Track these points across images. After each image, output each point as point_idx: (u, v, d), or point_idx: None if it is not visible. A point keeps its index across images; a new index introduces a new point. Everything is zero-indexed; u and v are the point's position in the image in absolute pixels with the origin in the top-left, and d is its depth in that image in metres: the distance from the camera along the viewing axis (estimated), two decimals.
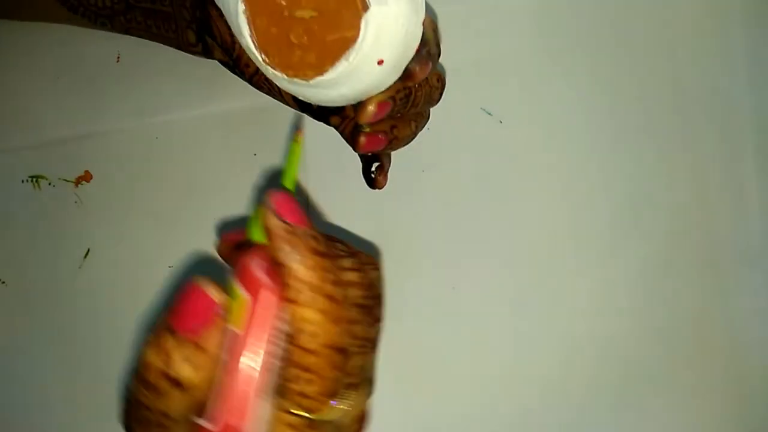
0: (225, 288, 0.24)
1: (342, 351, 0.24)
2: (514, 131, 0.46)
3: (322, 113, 0.36)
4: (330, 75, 0.29)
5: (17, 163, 0.47)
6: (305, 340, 0.23)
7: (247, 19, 0.29)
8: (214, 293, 0.23)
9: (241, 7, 0.28)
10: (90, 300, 0.45)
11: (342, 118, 0.35)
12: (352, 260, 0.26)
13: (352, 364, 0.25)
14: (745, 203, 0.45)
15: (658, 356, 0.45)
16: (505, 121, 0.46)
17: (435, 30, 0.33)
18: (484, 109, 0.46)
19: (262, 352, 0.23)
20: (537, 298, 0.45)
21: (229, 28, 0.33)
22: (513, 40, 0.46)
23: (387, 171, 0.38)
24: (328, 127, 0.37)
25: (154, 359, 0.23)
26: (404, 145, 0.38)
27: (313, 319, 0.23)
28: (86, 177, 0.46)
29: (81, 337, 0.45)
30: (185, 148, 0.46)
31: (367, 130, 0.34)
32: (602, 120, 0.46)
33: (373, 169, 0.37)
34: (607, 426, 0.44)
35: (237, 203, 0.44)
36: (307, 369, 0.23)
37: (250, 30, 0.29)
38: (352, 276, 0.25)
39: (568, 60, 0.46)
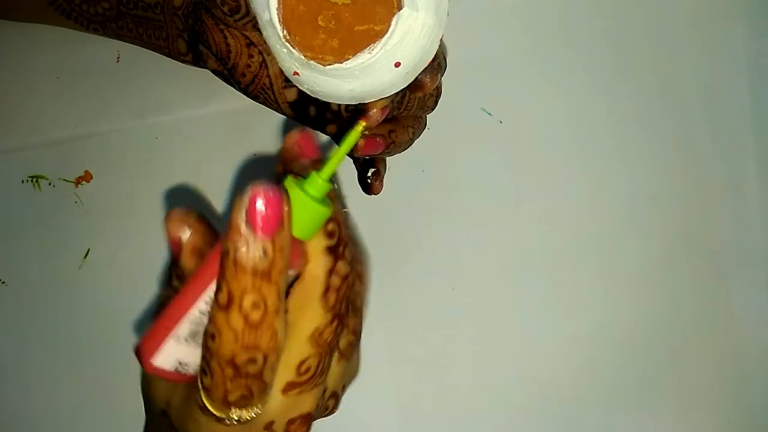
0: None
1: (239, 371, 0.23)
2: (514, 131, 0.46)
3: (320, 122, 0.36)
4: (349, 64, 0.29)
5: (17, 163, 0.47)
6: (208, 339, 0.23)
7: None
8: (171, 230, 0.26)
9: None
10: (90, 300, 0.45)
11: (339, 126, 0.35)
12: (352, 274, 0.26)
13: (263, 392, 0.24)
14: (745, 203, 0.45)
15: (658, 355, 0.45)
16: (505, 121, 0.46)
17: (441, 44, 0.34)
18: (484, 109, 0.46)
19: (192, 305, 0.24)
20: (537, 298, 0.45)
21: (225, 37, 0.33)
22: (513, 40, 0.46)
23: (383, 177, 0.38)
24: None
25: (170, 267, 0.27)
26: (401, 151, 0.38)
27: (220, 327, 0.22)
28: (86, 177, 0.46)
29: (81, 337, 0.45)
30: (185, 148, 0.46)
31: (366, 132, 0.34)
32: (602, 120, 0.46)
33: (369, 174, 0.37)
34: (607, 425, 0.44)
35: None
36: (205, 360, 0.23)
37: (278, 4, 0.29)
38: (343, 282, 0.25)
39: (568, 60, 0.46)
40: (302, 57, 0.29)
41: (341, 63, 0.29)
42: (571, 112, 0.46)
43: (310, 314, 0.24)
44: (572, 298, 0.45)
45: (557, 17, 0.46)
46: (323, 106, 0.35)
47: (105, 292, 0.45)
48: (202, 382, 0.24)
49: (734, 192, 0.45)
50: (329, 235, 0.24)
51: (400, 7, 0.28)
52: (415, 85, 0.32)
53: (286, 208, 0.22)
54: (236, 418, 0.24)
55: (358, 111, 0.33)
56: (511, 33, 0.46)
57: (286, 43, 0.29)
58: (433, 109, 0.38)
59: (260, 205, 0.22)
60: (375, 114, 0.32)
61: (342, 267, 0.25)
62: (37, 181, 0.47)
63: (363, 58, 0.29)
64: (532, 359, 0.44)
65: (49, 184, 0.47)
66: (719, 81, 0.46)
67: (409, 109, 0.36)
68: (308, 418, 0.26)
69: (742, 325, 0.45)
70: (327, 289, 0.24)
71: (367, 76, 0.30)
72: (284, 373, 0.25)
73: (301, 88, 0.32)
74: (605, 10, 0.46)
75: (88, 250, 0.46)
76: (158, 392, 0.27)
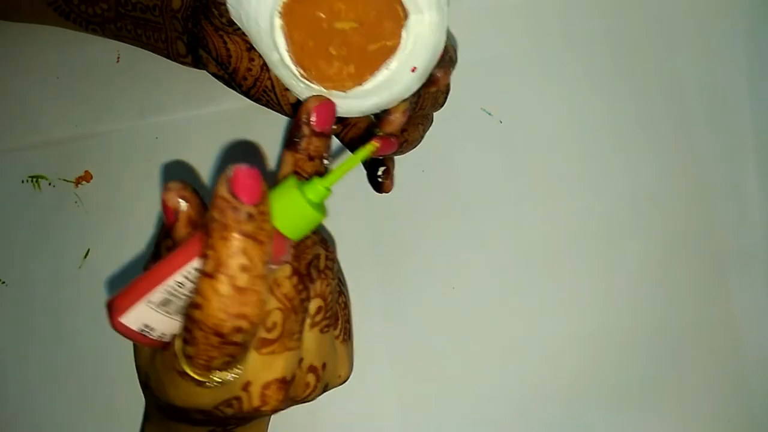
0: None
1: (224, 339, 0.24)
2: (514, 131, 0.46)
3: None
4: (369, 85, 0.29)
5: (17, 163, 0.47)
6: (192, 308, 0.23)
7: (285, 33, 0.29)
8: (170, 200, 0.26)
9: (278, 22, 0.28)
10: (90, 300, 0.45)
11: (343, 125, 0.35)
12: (296, 275, 0.27)
13: (274, 312, 0.26)
14: (745, 203, 0.45)
15: (658, 356, 0.45)
16: (505, 121, 0.46)
17: (450, 37, 0.34)
18: (484, 109, 0.46)
19: (169, 276, 0.25)
20: (537, 298, 0.45)
21: (225, 42, 0.33)
22: (513, 40, 0.46)
23: (393, 174, 0.38)
24: None
25: (158, 237, 0.28)
26: (412, 149, 0.38)
27: (206, 295, 0.23)
28: (86, 177, 0.47)
29: (81, 337, 0.45)
30: (185, 148, 0.46)
31: (380, 133, 0.34)
32: (602, 120, 0.46)
33: (379, 173, 0.37)
34: (607, 425, 0.44)
35: None
36: (187, 329, 0.24)
37: (287, 44, 0.29)
38: (283, 281, 0.26)
39: (568, 60, 0.46)
40: (322, 89, 0.29)
41: (361, 86, 0.29)
42: (571, 112, 0.46)
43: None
44: (572, 297, 0.45)
45: (557, 17, 0.46)
46: None
47: (105, 292, 0.45)
48: (184, 351, 0.24)
49: (734, 192, 0.45)
50: None
51: (406, 17, 0.28)
52: (429, 81, 0.32)
53: (264, 183, 0.24)
54: (218, 380, 0.25)
55: (378, 117, 0.33)
56: (511, 33, 0.46)
57: (304, 80, 0.29)
58: (443, 105, 0.38)
59: (242, 176, 0.23)
60: (397, 118, 0.32)
61: None
62: (37, 181, 0.47)
63: (382, 75, 0.29)
64: (532, 359, 0.44)
65: (49, 184, 0.47)
66: (719, 81, 0.46)
67: (423, 108, 0.36)
68: (284, 384, 0.27)
69: (742, 325, 0.45)
70: None
71: (386, 88, 0.30)
72: None
73: None
74: (605, 10, 0.46)
75: (88, 250, 0.46)
76: (139, 366, 0.29)
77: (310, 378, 0.29)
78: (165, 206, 0.26)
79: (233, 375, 0.25)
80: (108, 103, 0.47)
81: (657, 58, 0.46)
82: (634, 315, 0.45)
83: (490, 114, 0.46)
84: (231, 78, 0.35)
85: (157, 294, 0.25)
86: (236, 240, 0.23)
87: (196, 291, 0.23)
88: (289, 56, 0.29)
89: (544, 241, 0.45)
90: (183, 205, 0.26)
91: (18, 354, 0.46)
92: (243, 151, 0.46)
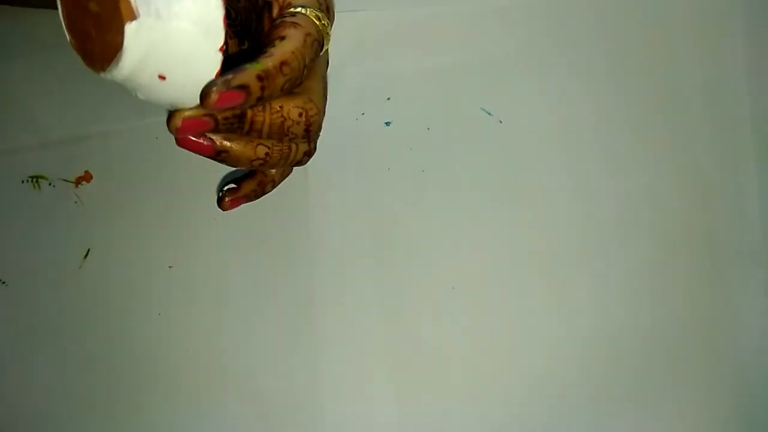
0: None
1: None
2: (514, 131, 0.46)
3: None
4: (108, 75, 0.28)
5: (17, 163, 0.47)
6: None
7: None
8: None
9: None
10: (90, 300, 0.45)
11: None
12: None
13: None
14: (745, 203, 0.45)
15: (658, 355, 0.45)
16: (505, 121, 0.46)
17: (267, 73, 0.31)
18: (484, 109, 0.46)
19: None
20: (537, 298, 0.45)
21: None
22: (513, 40, 0.46)
23: (240, 199, 0.38)
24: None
25: None
26: (246, 167, 0.36)
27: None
28: (86, 177, 0.46)
29: (81, 337, 0.45)
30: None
31: (222, 89, 0.30)
32: (602, 120, 0.46)
33: (225, 188, 0.38)
34: (607, 424, 0.44)
35: None
36: None
37: (62, 7, 0.28)
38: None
39: (567, 60, 0.46)
40: (83, 62, 0.28)
41: (104, 72, 0.28)
42: (571, 112, 0.46)
43: None
44: (572, 297, 0.45)
45: (557, 17, 0.46)
46: None
47: (105, 292, 0.45)
48: None
49: (734, 192, 0.45)
50: None
51: (131, 18, 0.26)
52: (202, 96, 0.30)
53: None
54: None
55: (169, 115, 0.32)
56: (511, 33, 0.46)
57: (73, 50, 0.28)
58: (309, 139, 0.36)
59: None
60: (174, 122, 0.32)
61: None
62: (37, 181, 0.47)
63: (115, 69, 0.27)
64: (532, 359, 0.44)
65: (49, 184, 0.47)
66: (719, 81, 0.46)
67: (257, 131, 0.33)
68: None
69: (742, 325, 0.45)
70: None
71: (141, 89, 0.29)
72: None
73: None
74: (605, 10, 0.46)
75: (88, 250, 0.46)
76: None
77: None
78: None
79: None
80: (108, 103, 0.47)
81: (657, 58, 0.46)
82: (634, 315, 0.45)
83: (490, 114, 0.46)
84: None
85: None
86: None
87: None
88: (63, 21, 0.29)
89: (544, 240, 0.45)
90: None
91: (18, 354, 0.45)
92: None
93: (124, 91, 0.47)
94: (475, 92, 0.46)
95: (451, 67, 0.45)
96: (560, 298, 0.45)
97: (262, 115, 0.33)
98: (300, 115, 0.34)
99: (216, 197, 0.38)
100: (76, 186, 0.47)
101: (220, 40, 0.28)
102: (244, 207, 0.41)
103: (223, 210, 0.38)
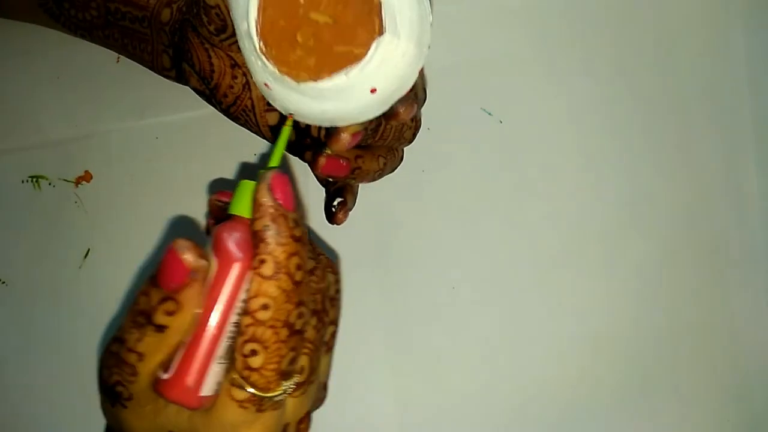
0: (204, 251, 0.25)
1: (292, 330, 0.25)
2: (514, 131, 0.46)
3: (298, 148, 0.35)
4: (323, 84, 0.28)
5: (17, 163, 0.47)
6: (259, 312, 0.24)
7: (259, 5, 0.28)
8: (187, 258, 0.25)
9: None
10: (90, 300, 0.45)
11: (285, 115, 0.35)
12: (315, 262, 0.28)
13: (301, 357, 0.26)
14: (745, 203, 0.45)
15: (658, 356, 0.45)
16: (505, 121, 0.46)
17: (422, 76, 0.33)
18: (484, 109, 0.46)
19: (225, 319, 0.25)
20: (537, 298, 0.45)
21: (209, 56, 0.33)
22: (513, 40, 0.46)
23: (349, 209, 0.38)
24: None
25: (144, 304, 0.26)
26: (369, 181, 0.37)
27: (272, 294, 0.24)
28: (86, 177, 0.47)
29: (81, 337, 0.45)
30: (185, 148, 0.46)
31: (328, 152, 0.33)
32: (602, 120, 0.46)
33: (335, 203, 0.37)
34: (607, 425, 0.44)
35: None
36: (254, 339, 0.24)
37: (258, 15, 0.28)
38: (313, 276, 0.27)
39: (567, 60, 0.46)
40: (276, 71, 0.29)
41: (316, 82, 0.28)
42: (571, 111, 0.46)
43: None
44: (572, 297, 0.45)
45: (557, 17, 0.46)
46: (303, 131, 0.35)
47: (105, 292, 0.45)
48: (249, 367, 0.25)
49: (734, 192, 0.45)
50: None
51: (381, 32, 0.27)
52: (390, 114, 0.31)
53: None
54: (282, 391, 0.26)
55: (329, 133, 0.32)
56: (511, 33, 0.46)
57: (262, 56, 0.29)
58: (410, 142, 0.38)
59: (281, 183, 0.25)
60: (344, 138, 0.32)
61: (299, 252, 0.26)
62: (37, 181, 0.47)
63: (339, 80, 0.28)
64: (531, 359, 0.44)
65: (49, 184, 0.47)
66: (719, 81, 0.46)
67: (384, 139, 0.35)
68: (309, 414, 0.28)
69: (741, 326, 0.45)
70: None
71: (341, 99, 0.29)
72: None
73: (272, 103, 0.31)
74: (605, 10, 0.46)
75: (88, 250, 0.46)
76: (147, 426, 0.28)
77: (323, 393, 0.30)
78: (176, 267, 0.25)
79: (290, 386, 0.26)
80: (108, 103, 0.47)
81: (657, 58, 0.46)
82: (634, 315, 0.45)
83: (490, 114, 0.46)
84: (212, 94, 0.35)
85: (222, 346, 0.25)
86: (292, 245, 0.25)
87: (258, 294, 0.24)
88: (256, 28, 0.29)
89: (544, 241, 0.45)
90: (202, 263, 0.25)
91: (18, 354, 0.46)
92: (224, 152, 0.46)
93: (124, 91, 0.47)
94: (475, 92, 0.46)
95: (451, 67, 0.45)
96: (560, 298, 0.45)
97: (389, 123, 0.34)
98: (412, 120, 0.36)
99: (327, 213, 0.38)
100: (76, 186, 0.47)
101: (423, 61, 0.30)
102: None
103: (338, 224, 0.38)
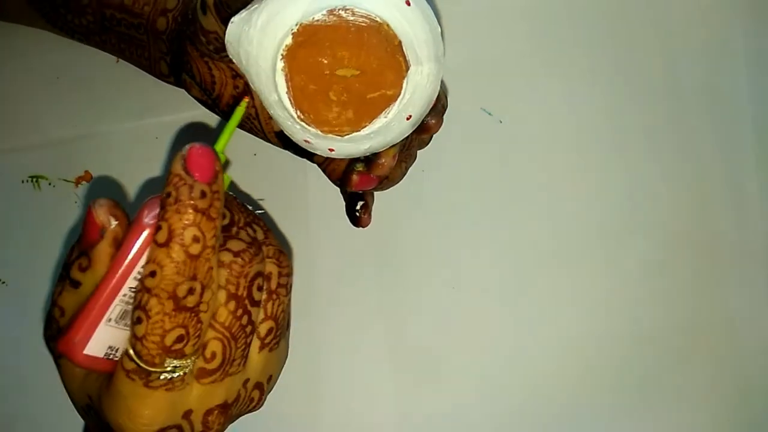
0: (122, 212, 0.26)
1: (178, 304, 0.24)
2: (514, 131, 0.46)
3: (307, 151, 0.36)
4: (366, 131, 0.30)
5: (17, 163, 0.47)
6: (147, 279, 0.24)
7: (286, 76, 0.29)
8: (98, 213, 0.25)
9: (281, 64, 0.29)
10: None
11: (327, 157, 0.35)
12: (247, 245, 0.26)
13: (211, 342, 0.25)
14: (745, 203, 0.45)
15: (658, 355, 0.45)
16: (505, 121, 0.46)
17: (442, 84, 0.34)
18: (484, 109, 0.46)
19: (122, 281, 0.25)
20: (537, 298, 0.45)
21: (210, 69, 0.33)
22: (513, 40, 0.46)
23: (371, 209, 0.38)
24: None
25: (67, 258, 0.26)
26: (393, 186, 0.38)
27: (161, 261, 0.23)
28: (86, 177, 0.47)
29: None
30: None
31: (360, 168, 0.34)
32: (602, 120, 0.46)
33: (358, 207, 0.37)
34: (607, 425, 0.44)
35: None
36: (140, 306, 0.24)
37: (287, 87, 0.29)
38: (238, 258, 0.26)
39: (567, 60, 0.46)
40: (319, 132, 0.30)
41: (359, 131, 0.30)
42: (571, 111, 0.46)
43: None
44: (572, 297, 0.45)
45: (558, 17, 0.46)
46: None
47: None
48: (134, 335, 0.24)
49: (734, 192, 0.45)
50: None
51: (408, 68, 0.28)
52: (422, 128, 0.32)
53: (218, 162, 0.24)
54: (170, 369, 0.25)
55: (368, 160, 0.33)
56: (511, 33, 0.46)
57: (301, 122, 0.30)
58: (428, 144, 0.39)
59: (196, 155, 0.24)
60: (388, 162, 0.33)
61: (234, 245, 0.26)
62: (37, 181, 0.47)
63: (379, 122, 0.30)
64: (531, 359, 0.44)
65: (49, 184, 0.47)
66: (719, 81, 0.46)
67: (410, 149, 0.36)
68: (225, 408, 0.27)
69: (742, 325, 0.45)
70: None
71: (381, 134, 0.31)
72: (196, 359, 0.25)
73: (314, 151, 0.32)
74: (605, 11, 0.46)
75: None
76: (76, 388, 0.28)
77: (255, 394, 0.29)
78: (91, 223, 0.26)
79: (182, 366, 0.25)
80: (108, 103, 0.47)
81: (657, 58, 0.46)
82: (634, 315, 0.45)
83: (490, 114, 0.46)
84: (214, 104, 0.35)
85: (115, 308, 0.25)
86: (190, 214, 0.23)
87: (150, 260, 0.24)
88: (289, 99, 0.30)
89: (544, 240, 0.45)
90: (113, 223, 0.26)
91: (18, 354, 0.45)
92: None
93: (124, 92, 0.47)
94: (475, 92, 0.46)
95: (452, 67, 0.45)
96: (560, 298, 0.45)
97: (421, 137, 0.35)
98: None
99: (351, 217, 0.38)
100: (76, 186, 0.47)
101: (442, 70, 0.30)
102: None
103: (364, 227, 0.38)
